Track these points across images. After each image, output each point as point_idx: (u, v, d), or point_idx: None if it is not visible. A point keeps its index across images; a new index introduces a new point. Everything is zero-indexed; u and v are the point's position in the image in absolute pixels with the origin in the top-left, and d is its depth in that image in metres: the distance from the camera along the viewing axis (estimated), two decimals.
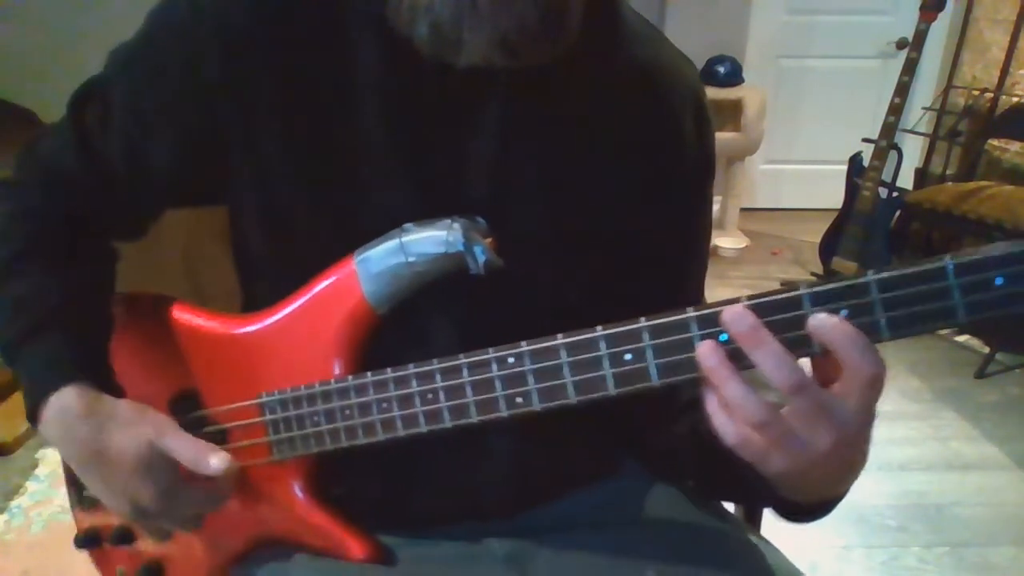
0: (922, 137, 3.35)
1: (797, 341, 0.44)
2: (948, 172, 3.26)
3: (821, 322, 0.43)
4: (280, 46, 0.57)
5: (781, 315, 0.44)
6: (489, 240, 0.55)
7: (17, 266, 0.62)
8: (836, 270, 2.95)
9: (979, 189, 2.75)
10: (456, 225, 0.54)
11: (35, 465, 1.92)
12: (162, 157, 0.61)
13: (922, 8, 2.63)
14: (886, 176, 2.84)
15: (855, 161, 2.91)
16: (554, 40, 0.50)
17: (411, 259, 0.55)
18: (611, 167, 0.60)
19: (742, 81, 3.42)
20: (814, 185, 3.88)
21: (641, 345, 0.48)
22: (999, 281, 0.40)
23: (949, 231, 3.10)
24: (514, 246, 0.56)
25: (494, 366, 0.52)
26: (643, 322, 0.48)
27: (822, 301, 0.44)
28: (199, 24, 0.57)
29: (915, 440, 2.12)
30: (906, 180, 3.14)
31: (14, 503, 1.78)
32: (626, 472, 0.71)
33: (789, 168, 3.99)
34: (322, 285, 0.59)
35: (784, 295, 0.44)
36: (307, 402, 0.60)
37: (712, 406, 0.47)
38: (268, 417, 0.61)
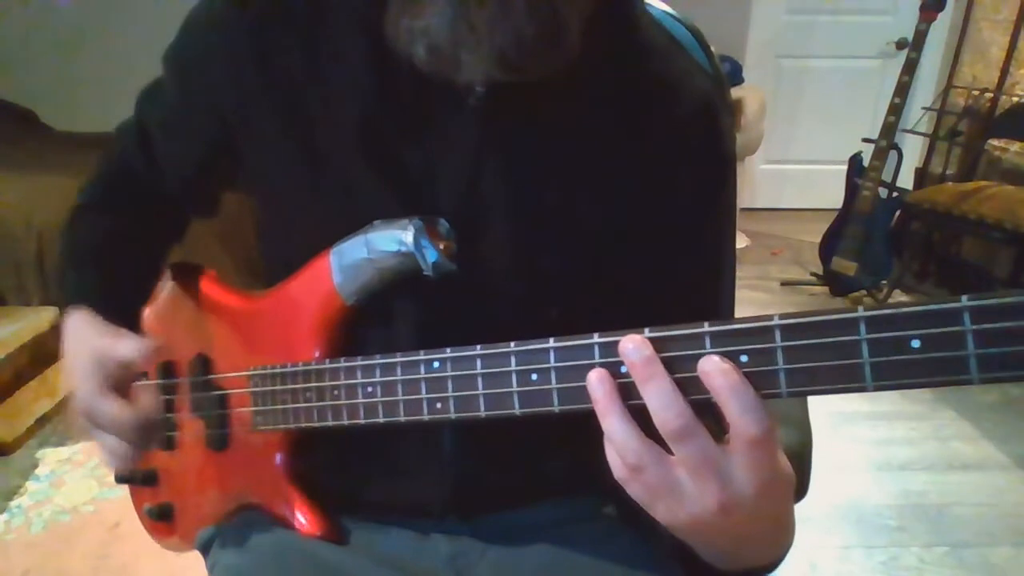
0: (922, 137, 3.35)
1: (694, 383, 0.40)
2: (948, 172, 3.26)
3: (707, 366, 0.40)
4: (270, 50, 0.59)
5: (680, 351, 0.41)
6: (445, 244, 0.56)
7: (81, 215, 0.77)
8: (836, 270, 2.95)
9: (979, 189, 2.75)
10: (411, 225, 0.55)
11: (35, 465, 1.92)
12: (190, 150, 0.68)
13: (922, 8, 2.64)
14: (886, 176, 2.84)
15: (855, 161, 2.92)
16: (553, 55, 0.50)
17: (372, 255, 0.56)
18: (599, 184, 0.59)
19: (742, 81, 3.42)
20: (814, 185, 3.89)
21: (547, 366, 0.46)
22: (915, 343, 0.35)
23: (949, 231, 3.11)
24: (484, 256, 0.57)
25: (422, 368, 0.52)
26: (551, 341, 0.46)
27: (722, 341, 0.40)
28: (209, 28, 0.62)
29: (915, 440, 2.12)
30: (906, 180, 3.14)
31: (14, 503, 1.78)
32: (599, 491, 0.70)
33: (789, 168, 4.00)
34: (304, 273, 0.62)
35: (684, 331, 0.41)
36: (279, 379, 0.63)
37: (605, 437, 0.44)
38: (252, 389, 0.66)
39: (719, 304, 0.66)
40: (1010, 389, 2.36)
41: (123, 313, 0.72)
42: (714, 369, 0.39)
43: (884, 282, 2.96)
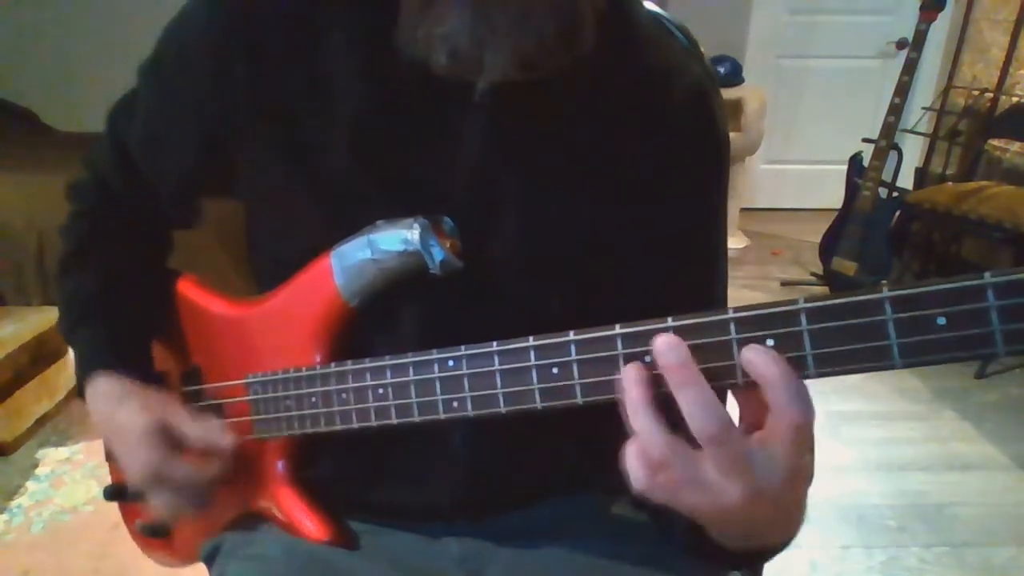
0: (922, 137, 3.35)
1: (722, 370, 0.41)
2: (948, 172, 3.26)
3: (753, 356, 0.40)
4: (257, 55, 0.58)
5: (706, 339, 0.41)
6: (451, 242, 0.55)
7: (72, 263, 0.73)
8: (836, 270, 2.95)
9: (979, 189, 2.75)
10: (416, 224, 0.54)
11: (35, 465, 1.92)
12: (175, 161, 0.67)
13: (922, 8, 2.64)
14: (886, 176, 2.84)
15: (855, 161, 2.92)
16: (570, 51, 0.50)
17: (376, 255, 0.56)
18: (602, 175, 0.59)
19: (742, 81, 3.42)
20: (814, 185, 3.89)
21: (568, 359, 0.46)
22: (941, 321, 0.36)
23: (949, 231, 3.11)
24: (489, 252, 0.57)
25: (436, 367, 0.52)
26: (571, 335, 0.46)
27: (748, 327, 0.40)
28: (191, 34, 0.61)
29: (915, 440, 2.12)
30: (906, 180, 3.14)
31: (14, 503, 1.78)
32: (602, 487, 0.70)
33: (789, 168, 4.00)
34: (303, 275, 0.61)
35: (710, 318, 0.41)
36: (282, 386, 0.62)
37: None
38: (252, 397, 0.65)
39: (714, 286, 0.67)
40: (1010, 389, 2.36)
41: (145, 357, 0.72)
42: (758, 358, 0.39)
43: (884, 282, 2.96)
